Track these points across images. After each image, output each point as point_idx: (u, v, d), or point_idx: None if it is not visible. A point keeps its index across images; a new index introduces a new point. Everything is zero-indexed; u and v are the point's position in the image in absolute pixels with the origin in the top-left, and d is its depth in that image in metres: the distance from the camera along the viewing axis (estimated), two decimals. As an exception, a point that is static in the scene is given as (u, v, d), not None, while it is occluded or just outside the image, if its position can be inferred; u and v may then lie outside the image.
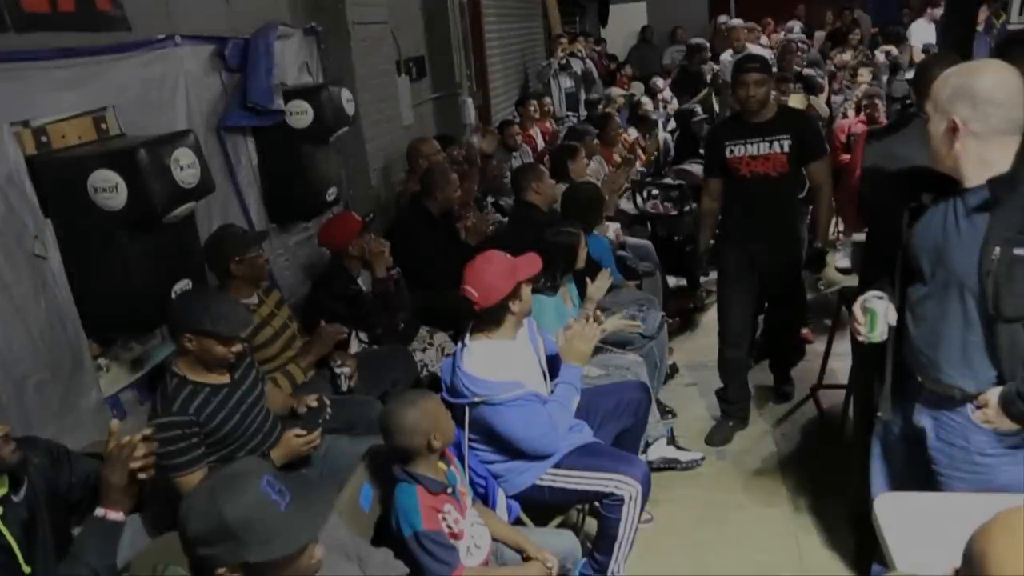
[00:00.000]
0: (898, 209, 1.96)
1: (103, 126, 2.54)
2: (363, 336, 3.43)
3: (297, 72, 3.76)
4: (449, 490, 2.04)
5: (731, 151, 3.24)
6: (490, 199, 5.08)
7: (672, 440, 3.34)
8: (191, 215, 2.56)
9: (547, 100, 7.17)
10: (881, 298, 1.99)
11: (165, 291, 2.44)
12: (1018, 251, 1.70)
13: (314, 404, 2.49)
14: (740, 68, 3.21)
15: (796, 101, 5.28)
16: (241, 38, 3.30)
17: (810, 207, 3.86)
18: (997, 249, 1.72)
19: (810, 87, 6.39)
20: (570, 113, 7.87)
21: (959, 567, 1.04)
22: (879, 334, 1.99)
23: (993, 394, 1.83)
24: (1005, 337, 1.78)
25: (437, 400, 2.11)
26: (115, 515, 1.69)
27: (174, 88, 2.93)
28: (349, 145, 4.15)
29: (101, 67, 2.56)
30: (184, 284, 2.48)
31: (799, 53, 7.52)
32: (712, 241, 3.65)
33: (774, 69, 7.07)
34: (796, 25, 9.32)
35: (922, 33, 7.87)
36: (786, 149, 3.17)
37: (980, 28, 6.05)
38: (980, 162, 1.76)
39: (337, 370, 2.92)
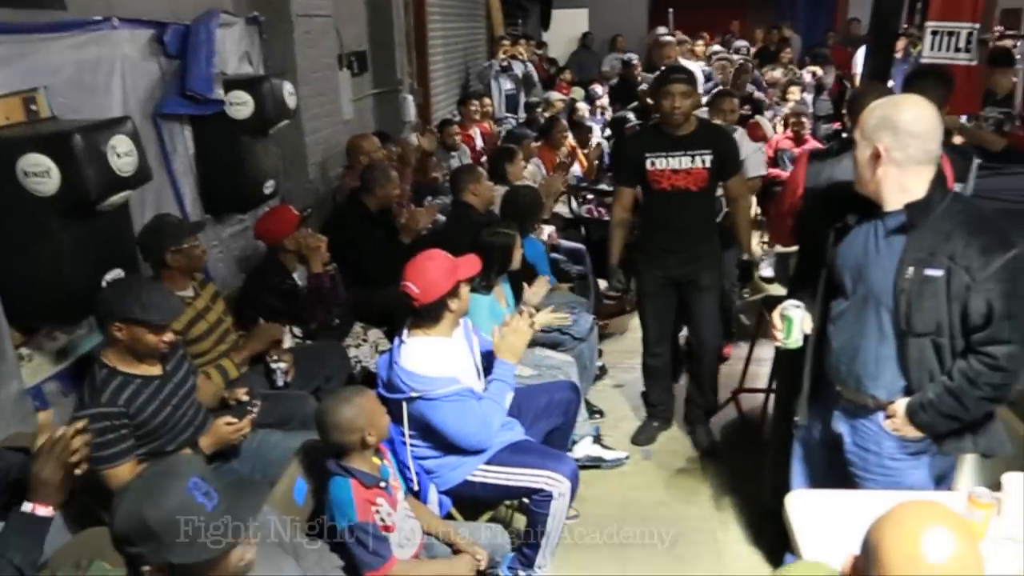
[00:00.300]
0: (826, 227, 2.10)
1: (33, 107, 2.46)
2: (297, 331, 3.42)
3: (238, 62, 3.70)
4: (382, 484, 2.07)
5: (652, 163, 3.19)
6: (429, 198, 5.10)
7: (598, 439, 3.45)
8: (125, 203, 2.51)
9: (487, 101, 7.22)
10: (799, 307, 2.12)
11: (95, 281, 2.38)
12: (929, 271, 1.85)
13: (244, 398, 2.48)
14: (665, 79, 3.18)
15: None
16: (182, 24, 3.23)
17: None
18: (911, 269, 1.87)
19: (757, 108, 6.53)
20: (509, 115, 7.95)
21: (857, 555, 1.14)
22: (794, 340, 2.12)
23: (901, 404, 1.98)
24: (914, 350, 1.93)
25: (373, 396, 2.14)
26: (44, 510, 1.66)
27: (110, 72, 2.85)
28: (288, 138, 4.11)
29: (33, 46, 2.47)
30: (116, 274, 2.43)
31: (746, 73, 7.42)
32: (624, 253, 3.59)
33: (711, 84, 7.32)
34: (743, 44, 9.57)
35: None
36: (707, 164, 3.17)
37: (899, 56, 6.42)
38: (899, 188, 1.90)
39: (273, 365, 2.92)
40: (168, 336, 2.23)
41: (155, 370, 2.27)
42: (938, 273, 1.85)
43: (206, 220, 3.47)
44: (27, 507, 1.66)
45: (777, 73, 7.93)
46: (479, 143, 6.54)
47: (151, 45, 3.12)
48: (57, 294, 2.32)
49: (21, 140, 2.18)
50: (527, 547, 2.47)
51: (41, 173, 2.14)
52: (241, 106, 3.32)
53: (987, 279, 1.82)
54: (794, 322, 2.11)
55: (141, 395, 2.20)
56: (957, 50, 3.92)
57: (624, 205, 3.42)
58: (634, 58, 8.73)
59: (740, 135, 4.32)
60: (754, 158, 4.34)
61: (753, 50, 10.15)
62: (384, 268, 3.86)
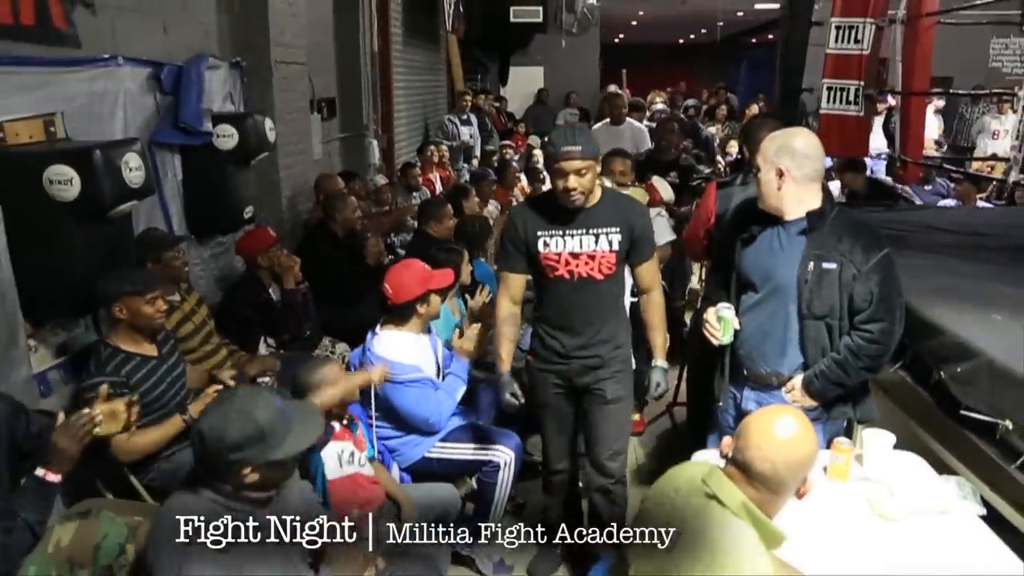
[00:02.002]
0: (734, 239, 2.53)
1: (52, 129, 2.83)
2: (271, 341, 3.78)
3: (222, 101, 4.11)
4: (354, 429, 2.45)
5: (546, 244, 2.55)
6: (393, 236, 5.52)
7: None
8: (129, 213, 2.87)
9: (443, 148, 7.73)
10: (729, 308, 2.49)
11: (99, 278, 2.73)
12: (826, 265, 2.30)
13: (231, 382, 2.81)
14: (555, 153, 2.45)
15: (636, 194, 3.93)
16: (175, 64, 3.65)
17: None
18: (811, 263, 2.31)
19: (685, 173, 5.77)
20: (466, 165, 8.49)
21: (731, 439, 1.56)
22: (728, 338, 2.47)
23: (798, 378, 2.40)
24: (812, 331, 2.36)
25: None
26: (53, 477, 1.90)
27: (114, 103, 3.24)
28: (264, 172, 4.50)
29: (52, 77, 2.86)
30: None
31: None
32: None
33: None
34: (693, 102, 10.27)
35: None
36: (615, 246, 2.55)
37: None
38: (798, 201, 2.35)
39: (260, 379, 3.25)
40: (160, 305, 2.57)
41: (152, 351, 2.61)
42: (833, 266, 2.29)
43: (189, 240, 3.83)
44: (39, 472, 1.91)
45: (713, 129, 8.60)
46: (438, 187, 7.01)
47: (149, 82, 3.52)
48: (68, 289, 2.66)
49: (48, 153, 2.55)
50: (476, 516, 2.82)
51: (64, 181, 2.51)
52: (227, 138, 3.73)
53: (869, 271, 2.27)
54: (729, 322, 2.47)
55: (140, 371, 2.53)
56: (847, 102, 4.56)
57: (513, 297, 2.70)
58: (584, 127, 9.29)
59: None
60: (657, 224, 3.68)
61: (703, 108, 10.93)
62: (350, 288, 4.28)
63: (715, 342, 2.49)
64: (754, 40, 17.76)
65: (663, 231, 3.98)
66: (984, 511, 2.05)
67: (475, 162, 8.43)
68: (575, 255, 2.55)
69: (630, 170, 4.06)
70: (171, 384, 2.63)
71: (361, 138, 6.63)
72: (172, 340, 2.80)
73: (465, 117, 8.68)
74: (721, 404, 2.65)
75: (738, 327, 2.48)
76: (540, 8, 10.33)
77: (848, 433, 2.47)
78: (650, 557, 1.52)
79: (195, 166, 3.75)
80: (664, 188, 4.41)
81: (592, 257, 2.55)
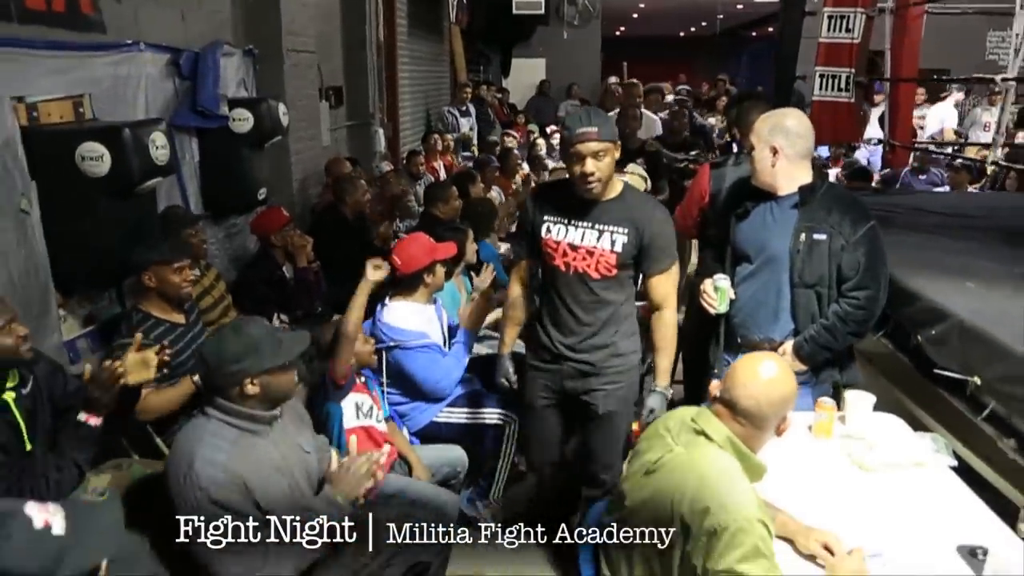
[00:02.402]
0: (729, 215, 2.69)
1: (80, 109, 2.99)
2: (284, 317, 3.93)
3: (235, 87, 4.26)
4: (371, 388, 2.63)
5: (548, 230, 2.45)
6: (399, 222, 5.68)
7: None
8: (153, 190, 3.03)
9: (448, 137, 7.89)
10: (725, 279, 2.63)
11: (128, 252, 2.89)
12: (816, 236, 2.45)
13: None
14: (571, 137, 2.31)
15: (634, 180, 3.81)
16: (193, 51, 3.80)
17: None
18: (803, 235, 2.47)
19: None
20: (467, 153, 8.65)
21: (718, 382, 1.73)
22: (724, 307, 2.61)
23: (789, 343, 2.55)
24: (802, 299, 2.51)
25: None
26: (95, 420, 2.06)
27: (136, 86, 3.40)
28: (276, 156, 4.66)
29: (81, 61, 3.02)
30: (143, 247, 2.94)
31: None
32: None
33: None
34: (683, 87, 10.38)
35: (942, 113, 8.80)
36: (619, 247, 2.39)
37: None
38: (790, 177, 2.51)
39: None
40: (187, 274, 2.72)
41: (180, 319, 2.77)
42: (823, 237, 2.45)
43: (206, 217, 3.99)
44: (82, 416, 2.11)
45: (712, 120, 8.75)
46: (443, 175, 7.16)
47: (168, 67, 3.68)
48: (98, 261, 2.82)
49: (80, 131, 2.71)
50: (483, 479, 2.99)
51: (96, 158, 2.67)
52: (242, 122, 3.88)
53: (856, 242, 2.43)
54: (725, 292, 2.61)
55: (167, 336, 2.68)
56: (839, 90, 4.72)
57: (523, 280, 2.67)
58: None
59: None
60: None
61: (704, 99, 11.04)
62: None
63: (712, 311, 2.62)
64: (754, 33, 17.88)
65: None
66: (955, 463, 2.21)
67: (474, 150, 8.58)
68: (574, 247, 2.41)
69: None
70: (194, 352, 2.79)
71: (367, 126, 6.78)
72: (197, 310, 2.96)
73: (464, 108, 8.84)
74: (716, 371, 2.78)
75: (733, 297, 2.62)
76: (542, 0, 10.44)
77: (835, 398, 2.63)
78: (642, 488, 1.68)
79: (211, 148, 3.91)
80: (636, 178, 3.88)
81: (591, 253, 2.40)
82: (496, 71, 12.53)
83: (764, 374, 1.67)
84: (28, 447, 2.09)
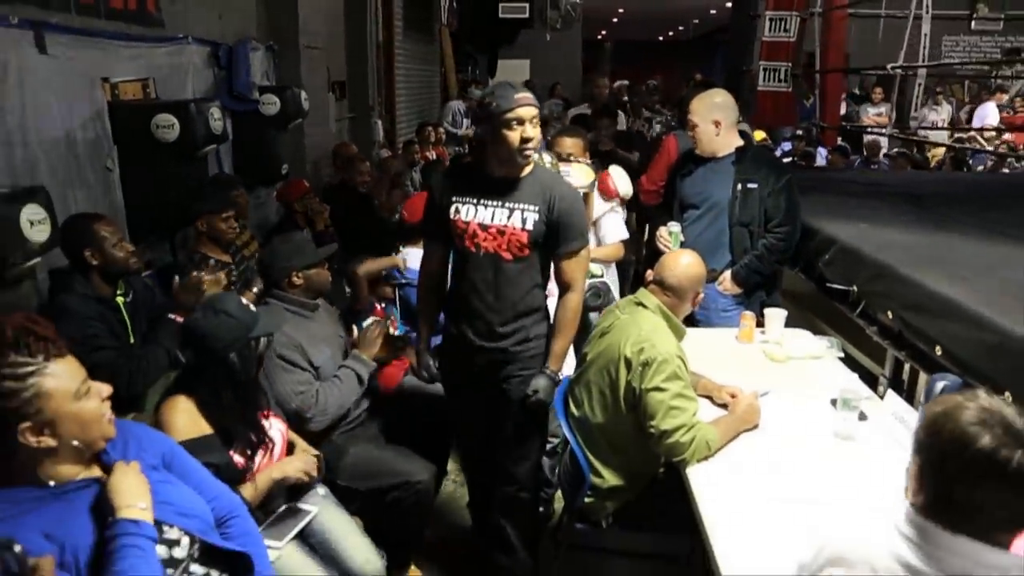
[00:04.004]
0: (676, 176, 3.44)
1: (147, 90, 3.65)
2: (305, 273, 4.59)
3: (260, 78, 4.91)
4: (389, 314, 3.29)
5: (457, 211, 2.36)
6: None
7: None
8: (206, 157, 3.68)
9: (440, 129, 8.56)
10: (677, 225, 3.33)
11: (186, 205, 3.53)
12: (750, 185, 3.16)
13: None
14: (512, 103, 2.21)
15: (578, 170, 3.29)
16: (227, 44, 4.46)
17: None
18: (739, 185, 3.18)
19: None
20: (457, 148, 9.33)
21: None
22: (676, 247, 3.22)
23: (727, 272, 3.25)
24: (738, 235, 3.22)
25: None
26: (180, 318, 2.66)
27: (186, 73, 4.05)
28: (293, 138, 5.31)
29: (147, 51, 3.67)
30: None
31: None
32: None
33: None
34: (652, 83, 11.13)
35: (985, 111, 9.66)
36: (530, 226, 2.30)
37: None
38: (726, 142, 3.23)
39: None
40: (232, 223, 3.35)
41: (227, 259, 3.41)
42: (754, 186, 3.16)
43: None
44: (171, 315, 2.74)
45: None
46: (436, 163, 7.84)
47: (209, 58, 4.33)
48: (163, 212, 3.47)
49: (155, 104, 3.36)
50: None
51: (168, 126, 3.31)
52: (271, 105, 4.54)
53: (778, 189, 3.15)
54: (677, 235, 3.29)
55: (221, 270, 3.33)
56: (779, 81, 5.48)
57: (431, 270, 2.56)
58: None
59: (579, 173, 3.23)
60: (609, 220, 3.49)
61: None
62: (366, 235, 5.10)
63: (666, 251, 3.23)
64: (728, 37, 18.67)
65: (616, 229, 3.52)
66: (843, 354, 2.90)
67: (466, 147, 9.26)
68: (484, 227, 2.31)
69: (582, 150, 3.43)
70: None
71: (367, 118, 7.44)
72: (240, 253, 3.61)
73: (464, 109, 9.52)
74: None
75: (683, 239, 3.32)
76: (527, 4, 11.15)
77: (760, 315, 3.32)
78: (599, 344, 2.36)
79: (243, 127, 4.55)
80: (621, 180, 3.60)
81: (501, 232, 2.30)
82: (483, 71, 13.23)
83: (683, 260, 2.37)
84: (132, 339, 2.73)
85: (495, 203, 2.32)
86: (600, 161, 3.89)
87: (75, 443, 1.28)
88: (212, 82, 4.36)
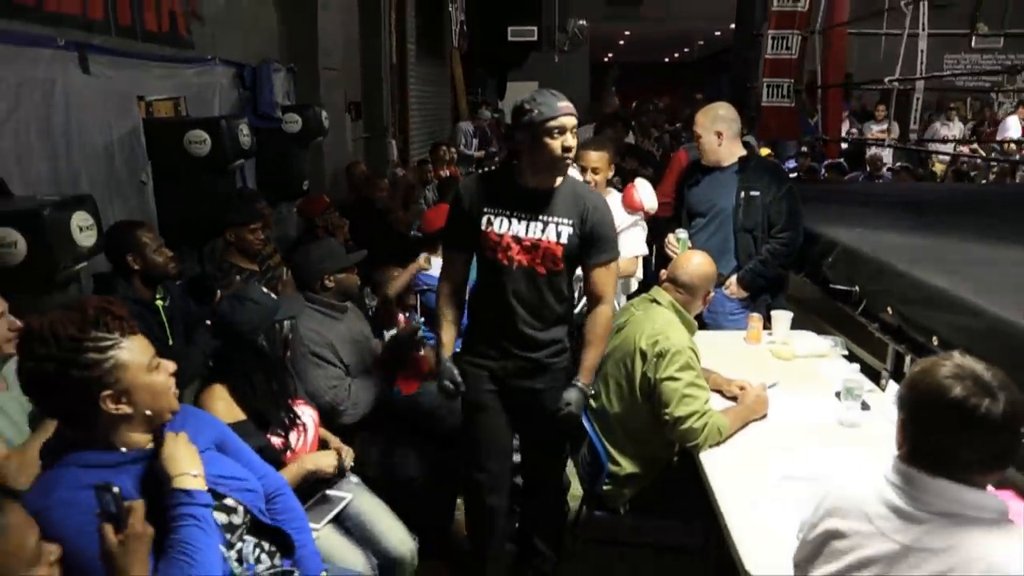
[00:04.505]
0: (684, 185, 3.59)
1: (179, 108, 3.84)
2: (326, 285, 4.75)
3: (281, 97, 5.11)
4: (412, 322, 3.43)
5: (489, 222, 2.32)
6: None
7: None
8: (234, 171, 3.86)
9: (453, 149, 8.76)
10: (684, 231, 3.48)
11: (216, 217, 3.70)
12: (752, 193, 3.31)
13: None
14: (554, 111, 2.22)
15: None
16: (252, 66, 4.66)
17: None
18: (742, 193, 3.33)
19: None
20: (470, 169, 9.53)
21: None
22: (684, 252, 3.44)
23: (733, 277, 3.38)
24: (743, 241, 3.36)
25: None
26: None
27: (213, 93, 4.24)
28: (312, 156, 5.50)
29: (178, 71, 3.87)
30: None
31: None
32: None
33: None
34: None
35: (1008, 123, 9.73)
36: (565, 239, 2.29)
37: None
38: (729, 152, 3.39)
39: None
40: (259, 234, 3.51)
41: (255, 268, 3.57)
42: (757, 193, 3.31)
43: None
44: (208, 321, 2.90)
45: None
46: (448, 182, 8.04)
47: (235, 79, 4.53)
48: (193, 222, 3.63)
49: (188, 121, 3.54)
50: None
51: (200, 142, 3.49)
52: (293, 124, 4.73)
53: (780, 197, 3.30)
54: (684, 241, 3.43)
55: (249, 279, 3.49)
56: (782, 96, 5.65)
57: (454, 278, 2.47)
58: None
59: (614, 200, 3.37)
60: (631, 234, 3.48)
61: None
62: (384, 249, 5.27)
63: (674, 256, 3.45)
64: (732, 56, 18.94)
65: (636, 242, 3.53)
66: (847, 352, 3.02)
67: (475, 168, 9.47)
68: (518, 240, 2.28)
69: (607, 165, 3.38)
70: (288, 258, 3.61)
71: (382, 138, 7.65)
72: (267, 263, 3.77)
73: (473, 130, 9.73)
74: None
75: (690, 245, 3.45)
76: (535, 28, 11.41)
77: (767, 318, 3.45)
78: (616, 338, 2.49)
79: (266, 144, 4.73)
80: (646, 194, 3.56)
81: (536, 246, 2.28)
82: (492, 93, 13.48)
83: (695, 260, 2.51)
84: (170, 341, 2.88)
85: (529, 215, 2.29)
86: (623, 178, 3.87)
87: (147, 412, 1.41)
88: (237, 101, 4.56)
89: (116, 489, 1.22)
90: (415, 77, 8.90)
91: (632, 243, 3.50)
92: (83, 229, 2.51)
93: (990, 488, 1.27)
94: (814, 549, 1.40)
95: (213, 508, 1.48)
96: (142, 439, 1.46)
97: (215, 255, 3.79)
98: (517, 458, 2.66)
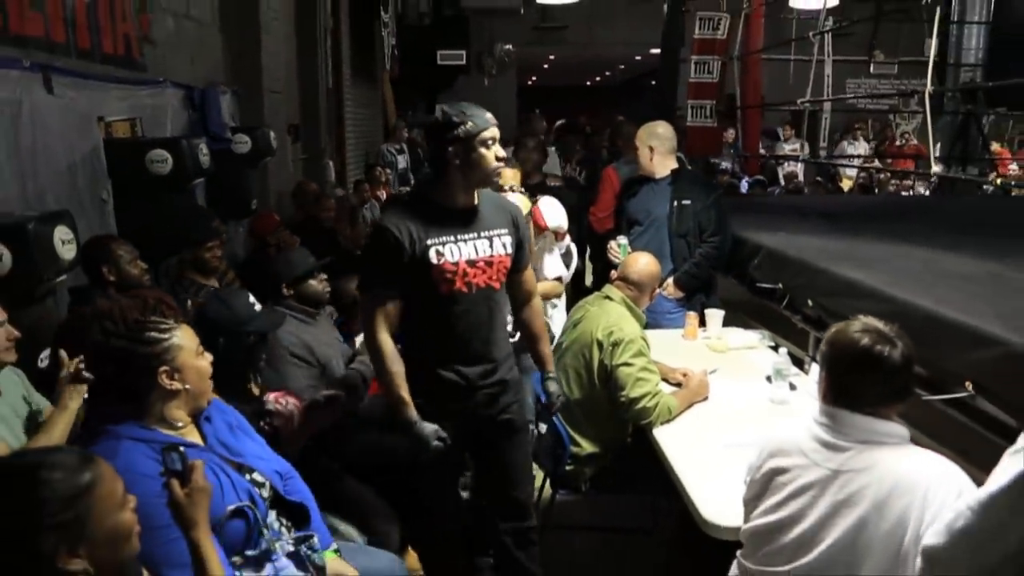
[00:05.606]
0: (623, 196, 3.89)
1: (135, 128, 3.92)
2: (277, 301, 4.86)
3: (228, 119, 5.22)
4: None
5: (439, 254, 2.16)
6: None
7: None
8: (192, 189, 3.96)
9: (388, 171, 8.93)
10: (624, 238, 3.78)
11: (176, 234, 3.79)
12: (684, 202, 3.65)
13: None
14: (484, 124, 2.17)
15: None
16: (200, 88, 4.76)
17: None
18: (675, 202, 3.66)
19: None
20: (403, 188, 9.70)
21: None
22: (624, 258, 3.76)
23: (670, 280, 3.69)
24: (677, 246, 3.68)
25: None
26: None
27: (165, 114, 4.33)
28: (259, 176, 5.60)
29: (133, 92, 3.95)
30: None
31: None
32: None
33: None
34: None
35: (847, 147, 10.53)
36: (509, 249, 2.28)
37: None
38: (663, 166, 3.73)
39: None
40: (216, 252, 3.62)
41: (214, 283, 3.67)
42: (688, 202, 3.66)
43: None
44: None
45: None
46: (384, 203, 8.20)
47: (184, 100, 4.62)
48: (159, 240, 3.71)
49: (149, 141, 3.64)
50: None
51: (161, 161, 3.59)
52: (243, 144, 4.84)
53: (709, 205, 3.66)
54: (625, 247, 3.72)
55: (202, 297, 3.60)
56: (705, 117, 6.15)
57: (391, 328, 2.23)
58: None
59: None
60: (551, 257, 3.53)
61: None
62: (335, 266, 5.41)
63: (616, 261, 3.69)
64: (654, 82, 19.78)
65: (555, 264, 3.58)
66: (773, 344, 3.37)
67: (410, 182, 9.64)
68: (472, 263, 2.19)
69: (520, 181, 3.63)
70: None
71: (319, 159, 7.76)
72: (225, 279, 3.88)
73: (399, 147, 9.92)
74: None
75: (630, 250, 3.76)
76: (464, 52, 11.72)
77: (702, 315, 3.77)
78: (572, 332, 2.76)
79: (216, 165, 4.82)
80: (552, 213, 3.50)
81: (490, 264, 2.22)
82: (421, 114, 13.71)
83: (643, 260, 2.82)
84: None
85: (471, 235, 2.20)
86: (530, 192, 3.84)
87: (192, 390, 1.61)
88: (187, 122, 4.65)
89: (181, 448, 1.39)
90: (350, 100, 9.05)
91: (551, 264, 3.59)
92: (65, 243, 2.61)
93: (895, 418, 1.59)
94: (761, 487, 1.68)
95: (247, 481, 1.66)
96: (186, 418, 1.63)
97: (170, 272, 3.88)
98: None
